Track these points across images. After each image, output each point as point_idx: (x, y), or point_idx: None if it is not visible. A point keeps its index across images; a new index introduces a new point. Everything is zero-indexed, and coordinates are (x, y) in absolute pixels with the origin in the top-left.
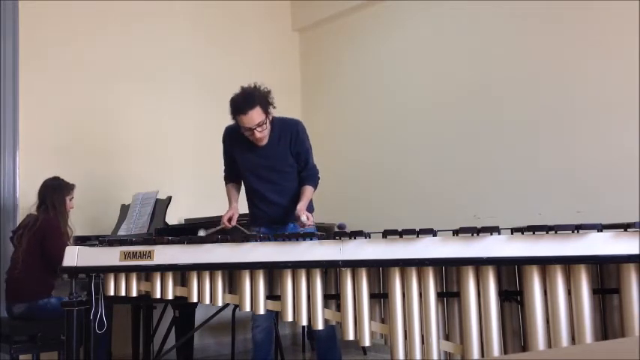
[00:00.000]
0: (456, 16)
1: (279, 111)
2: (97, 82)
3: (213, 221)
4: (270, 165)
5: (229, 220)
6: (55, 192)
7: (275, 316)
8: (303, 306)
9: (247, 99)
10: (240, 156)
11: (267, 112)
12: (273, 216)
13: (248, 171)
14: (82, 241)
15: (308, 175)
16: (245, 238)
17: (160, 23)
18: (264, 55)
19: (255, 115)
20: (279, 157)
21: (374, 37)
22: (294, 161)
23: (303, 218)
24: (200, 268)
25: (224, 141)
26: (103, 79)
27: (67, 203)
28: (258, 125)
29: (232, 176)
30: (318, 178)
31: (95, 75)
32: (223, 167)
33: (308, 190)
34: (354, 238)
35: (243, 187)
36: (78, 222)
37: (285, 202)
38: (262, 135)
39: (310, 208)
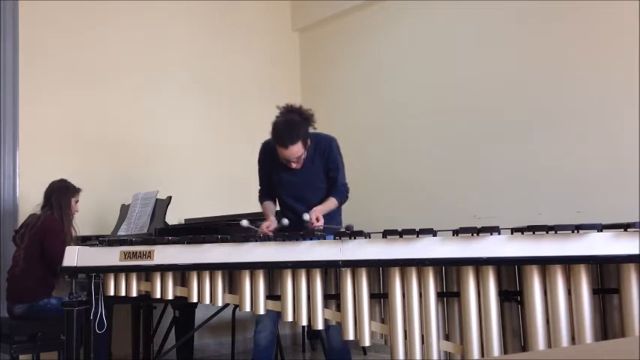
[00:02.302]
0: (456, 16)
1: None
2: (96, 82)
3: (214, 221)
4: (303, 182)
5: (267, 227)
6: (61, 193)
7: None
8: (303, 306)
9: (291, 132)
10: (275, 171)
11: (306, 144)
12: (301, 229)
13: (282, 187)
14: (82, 241)
15: (337, 190)
16: (245, 238)
17: (160, 23)
18: (264, 55)
19: (296, 150)
20: (313, 174)
21: (374, 37)
22: (326, 178)
23: (312, 217)
24: (200, 268)
25: (260, 157)
26: (103, 79)
27: (72, 205)
28: (298, 158)
29: (269, 194)
30: (347, 196)
31: (95, 75)
32: (259, 185)
33: (331, 200)
34: (354, 238)
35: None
36: (78, 222)
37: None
38: (299, 164)
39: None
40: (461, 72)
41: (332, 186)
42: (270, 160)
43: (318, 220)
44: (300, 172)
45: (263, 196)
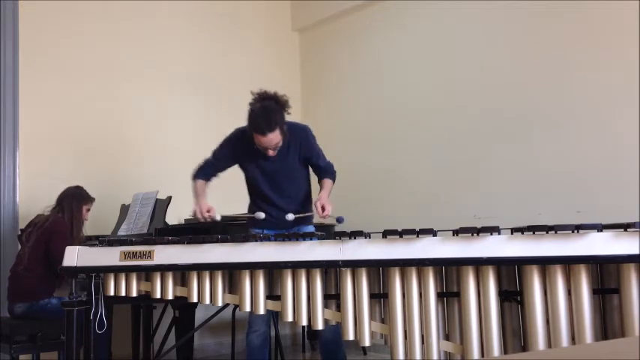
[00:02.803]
0: (456, 16)
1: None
2: (96, 82)
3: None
4: (279, 171)
5: (208, 211)
6: (74, 199)
7: (275, 317)
8: (303, 306)
9: (268, 120)
10: (249, 161)
11: (284, 132)
12: (278, 220)
13: (257, 176)
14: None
15: (325, 170)
16: (245, 238)
17: (160, 23)
18: (264, 55)
19: (273, 137)
20: (289, 163)
21: (374, 37)
22: (303, 166)
23: (327, 209)
24: (200, 268)
25: (231, 142)
26: (103, 78)
27: (83, 212)
28: (275, 145)
29: (210, 175)
30: (335, 172)
31: (95, 75)
32: (207, 161)
33: (327, 181)
34: (354, 238)
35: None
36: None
37: (291, 207)
38: (275, 152)
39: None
40: (461, 72)
41: (318, 168)
42: (243, 147)
43: (324, 209)
44: (277, 160)
45: (201, 174)
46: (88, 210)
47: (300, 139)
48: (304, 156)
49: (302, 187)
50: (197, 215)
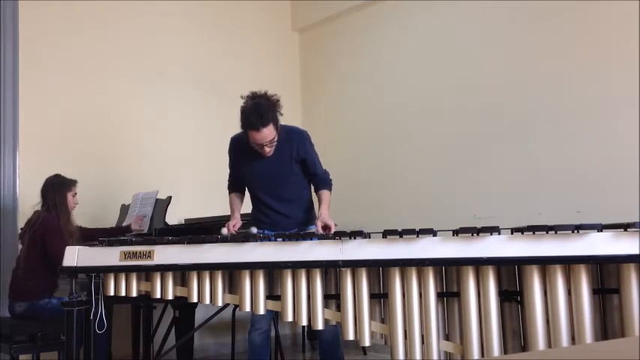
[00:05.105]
0: (456, 16)
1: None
2: (96, 81)
3: (214, 221)
4: (275, 174)
5: (234, 226)
6: (55, 190)
7: (275, 317)
8: (303, 306)
9: (260, 115)
10: (246, 165)
11: (277, 127)
12: (276, 224)
13: (253, 180)
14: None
15: (321, 179)
16: (245, 238)
17: (160, 23)
18: (264, 55)
19: (268, 132)
20: (284, 166)
21: (374, 37)
22: (299, 170)
23: (331, 228)
24: (200, 268)
25: (230, 152)
26: (103, 78)
27: (68, 200)
28: (270, 142)
29: (237, 186)
30: (331, 180)
31: (95, 75)
32: (228, 176)
33: (325, 194)
34: (354, 238)
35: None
36: (78, 222)
37: (289, 210)
38: (271, 149)
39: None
40: (461, 72)
41: (313, 177)
42: (240, 152)
43: (327, 228)
44: (270, 162)
45: (231, 187)
46: (74, 195)
47: (297, 141)
48: (300, 158)
49: (300, 192)
50: (225, 233)
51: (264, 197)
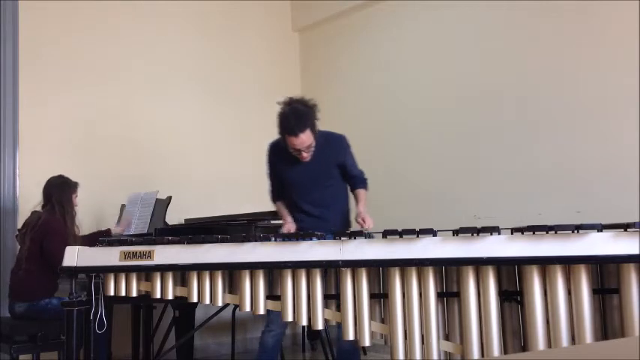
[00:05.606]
0: (456, 16)
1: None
2: (96, 82)
3: (214, 221)
4: (313, 179)
5: (289, 230)
6: (61, 190)
7: None
8: (303, 306)
9: (299, 120)
10: (285, 171)
11: (315, 132)
12: (312, 228)
13: (292, 184)
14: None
15: (359, 180)
16: (245, 238)
17: (159, 23)
18: (264, 55)
19: (306, 138)
20: (323, 171)
21: (374, 37)
22: (337, 174)
23: (368, 222)
24: (200, 268)
25: (269, 158)
26: (103, 79)
27: (73, 202)
28: (307, 147)
29: (280, 194)
30: (366, 179)
31: (95, 75)
32: (270, 186)
33: (361, 192)
34: (354, 238)
35: None
36: (78, 222)
37: (325, 214)
38: (309, 154)
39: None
40: (461, 72)
41: (351, 177)
42: (278, 158)
43: (365, 221)
44: (309, 167)
45: (275, 197)
46: (76, 197)
47: (337, 147)
48: (339, 163)
49: (337, 198)
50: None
51: (301, 202)
